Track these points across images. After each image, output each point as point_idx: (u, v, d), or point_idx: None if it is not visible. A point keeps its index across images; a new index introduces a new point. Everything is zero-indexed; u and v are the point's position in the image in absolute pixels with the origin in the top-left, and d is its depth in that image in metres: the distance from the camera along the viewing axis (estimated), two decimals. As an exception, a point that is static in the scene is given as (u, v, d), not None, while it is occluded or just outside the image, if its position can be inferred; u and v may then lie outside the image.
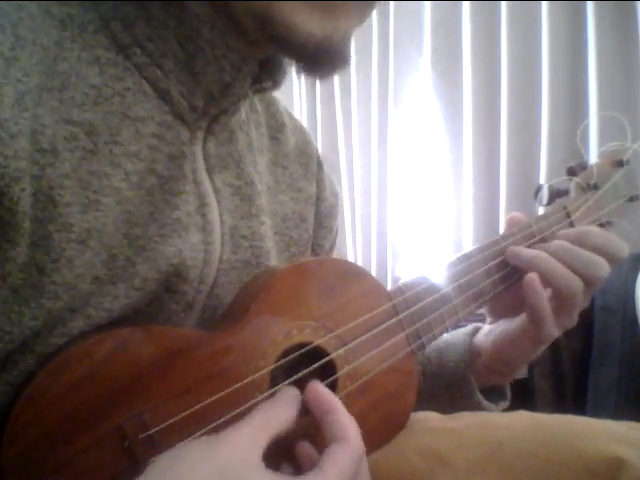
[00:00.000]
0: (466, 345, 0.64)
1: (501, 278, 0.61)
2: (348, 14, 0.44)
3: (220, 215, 0.49)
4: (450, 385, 0.64)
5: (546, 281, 0.57)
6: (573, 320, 0.59)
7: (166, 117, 0.45)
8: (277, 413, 0.41)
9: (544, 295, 0.56)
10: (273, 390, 0.45)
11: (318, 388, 0.44)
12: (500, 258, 0.61)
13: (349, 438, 0.41)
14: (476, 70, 1.65)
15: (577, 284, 0.56)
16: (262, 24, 0.43)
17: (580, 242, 0.59)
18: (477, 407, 0.63)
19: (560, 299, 0.57)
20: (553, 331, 0.57)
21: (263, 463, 0.38)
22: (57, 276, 0.39)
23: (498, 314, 0.65)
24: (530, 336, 0.58)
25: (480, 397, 0.63)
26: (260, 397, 0.45)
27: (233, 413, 0.43)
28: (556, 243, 0.59)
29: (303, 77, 0.48)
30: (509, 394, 0.67)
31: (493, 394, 0.66)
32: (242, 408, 0.43)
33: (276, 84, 0.51)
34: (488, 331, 0.64)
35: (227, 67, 0.44)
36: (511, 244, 0.62)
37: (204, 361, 0.43)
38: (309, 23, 0.42)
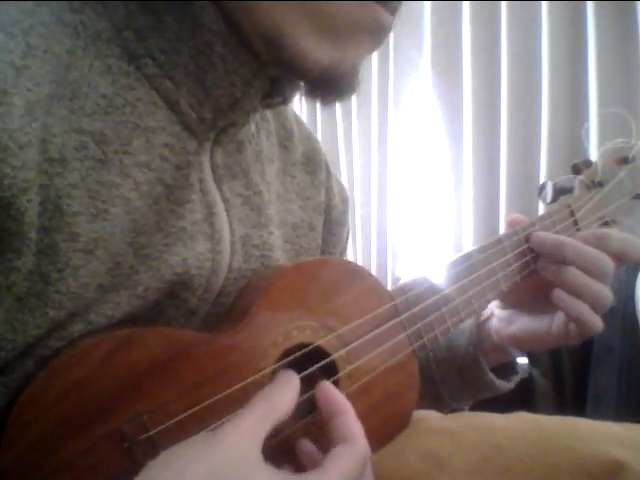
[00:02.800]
0: (473, 328, 0.65)
1: (505, 277, 0.61)
2: (357, 45, 0.44)
3: (230, 224, 0.49)
4: (461, 369, 0.64)
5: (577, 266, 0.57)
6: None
7: (175, 128, 0.44)
8: (275, 403, 0.40)
9: (577, 301, 0.57)
10: None
11: (329, 388, 0.44)
12: (503, 258, 0.61)
13: (356, 441, 0.41)
14: (476, 70, 1.65)
15: (601, 290, 0.57)
16: (270, 46, 0.43)
17: (599, 246, 0.59)
18: (490, 387, 0.64)
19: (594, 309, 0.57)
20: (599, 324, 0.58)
21: (262, 457, 0.37)
22: (62, 285, 0.39)
23: (510, 302, 0.65)
24: (569, 336, 0.59)
25: (492, 377, 0.64)
26: None
27: (234, 414, 0.43)
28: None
29: (307, 100, 0.48)
30: (520, 368, 0.68)
31: (504, 370, 0.67)
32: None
33: (286, 100, 0.50)
34: (504, 318, 0.64)
35: (238, 82, 0.44)
36: (513, 243, 0.62)
37: (204, 362, 0.43)
38: (317, 50, 0.42)
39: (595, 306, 0.57)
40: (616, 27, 1.43)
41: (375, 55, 1.89)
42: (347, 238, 0.69)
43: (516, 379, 0.67)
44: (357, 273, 0.52)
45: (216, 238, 0.47)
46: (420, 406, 0.57)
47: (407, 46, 1.83)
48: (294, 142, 0.61)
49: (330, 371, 0.49)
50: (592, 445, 0.49)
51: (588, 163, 0.70)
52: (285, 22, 0.41)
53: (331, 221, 0.64)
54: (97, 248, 0.40)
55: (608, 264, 0.58)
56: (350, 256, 2.02)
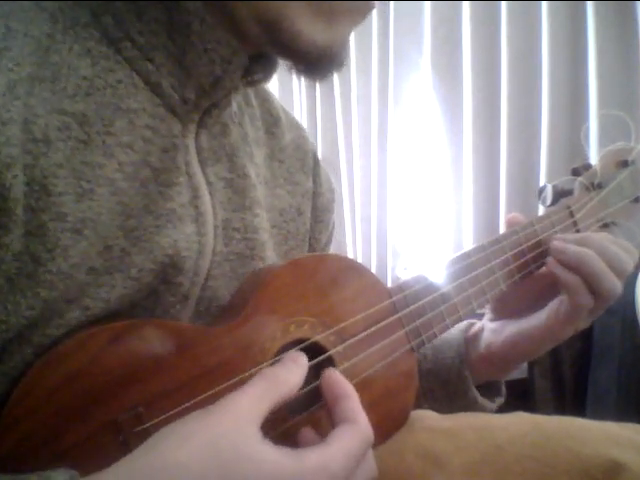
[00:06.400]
0: (461, 341, 0.65)
1: (503, 276, 0.61)
2: (349, 23, 0.46)
3: (213, 207, 0.49)
4: (446, 382, 0.64)
5: (590, 281, 0.57)
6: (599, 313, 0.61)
7: (158, 110, 0.45)
8: (278, 380, 0.40)
9: (573, 274, 0.58)
10: None
11: (334, 374, 0.45)
12: (502, 257, 0.61)
13: (360, 421, 0.41)
14: (476, 70, 1.65)
15: (617, 286, 0.58)
16: (267, 31, 0.44)
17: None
18: (473, 404, 0.63)
19: (599, 299, 0.58)
20: (586, 321, 0.59)
21: (261, 433, 0.37)
22: (52, 265, 0.39)
23: (503, 313, 0.65)
24: (559, 322, 0.59)
25: (476, 393, 0.63)
26: None
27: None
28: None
29: (302, 78, 0.49)
30: (504, 390, 0.67)
31: (488, 390, 0.66)
32: None
33: (267, 76, 0.51)
34: (496, 329, 0.64)
35: (217, 60, 0.44)
36: (513, 243, 0.62)
37: (201, 356, 0.43)
38: (313, 31, 0.43)
39: (601, 294, 0.57)
40: (616, 27, 1.43)
41: (375, 55, 1.89)
42: (333, 226, 0.69)
43: (500, 401, 0.66)
44: (355, 269, 0.52)
45: (200, 221, 0.47)
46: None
47: (407, 46, 1.83)
48: (281, 128, 0.61)
49: (328, 367, 0.48)
50: (591, 445, 0.49)
51: (587, 166, 0.70)
52: (285, 7, 0.42)
53: (318, 207, 0.64)
54: (85, 228, 0.40)
55: (626, 263, 0.58)
56: (350, 256, 2.01)
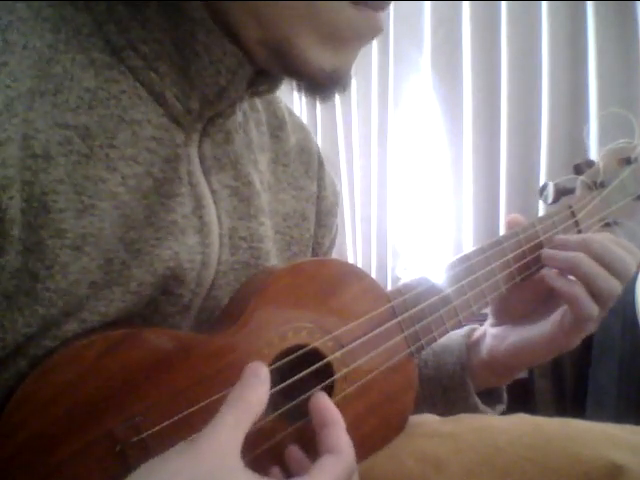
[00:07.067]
0: (462, 348, 0.64)
1: (504, 279, 0.61)
2: (355, 49, 0.46)
3: (218, 217, 0.48)
4: (447, 388, 0.64)
5: (585, 283, 0.57)
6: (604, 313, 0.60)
7: (161, 120, 0.44)
8: (248, 404, 0.39)
9: (572, 282, 0.57)
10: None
11: (323, 399, 0.44)
12: (503, 259, 0.61)
13: (343, 452, 0.40)
14: (476, 70, 1.65)
15: (614, 285, 0.57)
16: (275, 56, 0.44)
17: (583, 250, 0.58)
18: (474, 410, 0.63)
19: (599, 301, 0.57)
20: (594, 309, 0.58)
21: (242, 463, 0.36)
22: (51, 282, 0.38)
23: (505, 317, 0.64)
24: (565, 331, 0.58)
25: (477, 400, 0.63)
26: None
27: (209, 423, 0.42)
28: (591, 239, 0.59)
29: (304, 96, 0.49)
30: (505, 397, 0.67)
31: (489, 397, 0.66)
32: None
33: (272, 88, 0.51)
34: (498, 334, 0.63)
35: (223, 71, 0.44)
36: (514, 244, 0.62)
37: (198, 363, 0.43)
38: (321, 59, 0.43)
39: (601, 295, 0.57)
40: (616, 27, 1.43)
41: (375, 55, 1.88)
42: (337, 230, 0.68)
43: (501, 408, 0.66)
44: (354, 274, 0.52)
45: (205, 231, 0.47)
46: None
47: (407, 46, 1.83)
48: (286, 131, 0.60)
49: (326, 373, 0.48)
50: (591, 448, 0.49)
51: (590, 163, 0.69)
52: (294, 34, 0.42)
53: (321, 212, 0.63)
54: (86, 244, 0.40)
55: (629, 264, 0.58)
56: (350, 256, 2.02)
